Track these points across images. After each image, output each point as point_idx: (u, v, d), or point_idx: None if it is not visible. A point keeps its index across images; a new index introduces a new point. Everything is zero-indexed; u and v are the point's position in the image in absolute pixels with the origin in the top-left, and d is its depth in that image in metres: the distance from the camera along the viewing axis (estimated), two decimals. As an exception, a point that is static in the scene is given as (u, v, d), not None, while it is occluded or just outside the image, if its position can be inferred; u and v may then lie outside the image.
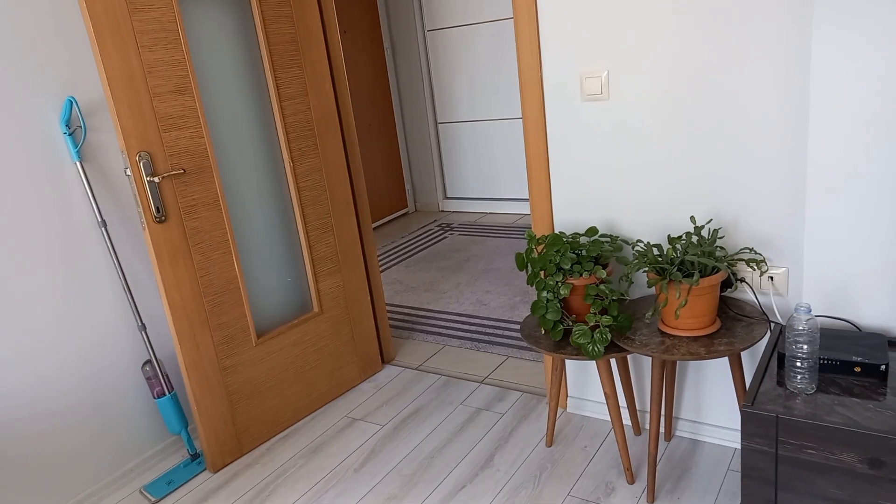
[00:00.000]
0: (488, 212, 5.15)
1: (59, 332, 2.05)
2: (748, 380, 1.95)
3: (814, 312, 1.68)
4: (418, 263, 4.15)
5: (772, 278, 1.83)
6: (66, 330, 2.06)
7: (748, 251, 1.81)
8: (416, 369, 2.80)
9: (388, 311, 3.45)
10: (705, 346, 1.66)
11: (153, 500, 2.13)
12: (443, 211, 5.38)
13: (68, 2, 2.00)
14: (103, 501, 2.16)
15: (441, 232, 4.78)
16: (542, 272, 1.90)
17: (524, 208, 4.95)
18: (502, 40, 4.66)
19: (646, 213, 1.97)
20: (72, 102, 2.00)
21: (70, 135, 2.01)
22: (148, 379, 2.20)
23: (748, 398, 1.42)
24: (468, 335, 3.05)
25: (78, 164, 2.03)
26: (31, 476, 2.01)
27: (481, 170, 5.08)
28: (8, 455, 1.95)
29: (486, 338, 3.00)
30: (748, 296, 1.88)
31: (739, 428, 2.03)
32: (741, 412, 1.40)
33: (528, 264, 1.93)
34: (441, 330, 3.15)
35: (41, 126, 1.97)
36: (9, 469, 1.96)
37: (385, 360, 2.89)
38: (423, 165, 5.36)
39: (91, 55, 2.07)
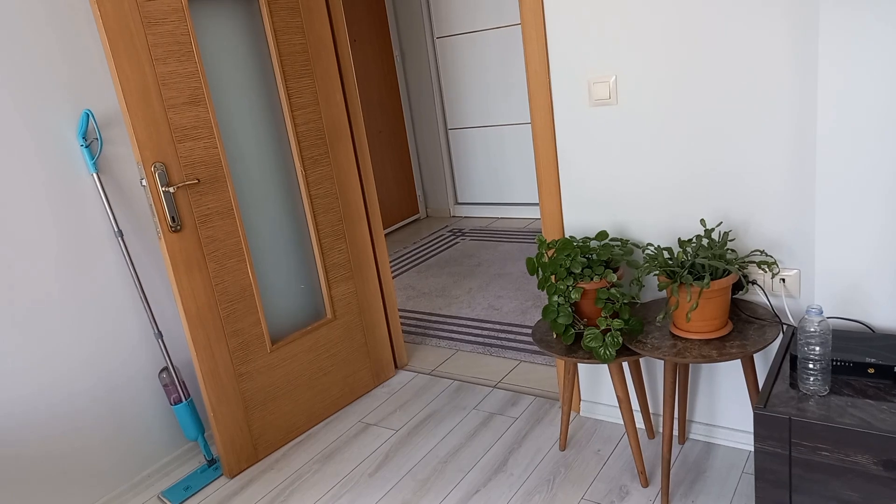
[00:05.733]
0: (499, 216, 5.16)
1: (78, 340, 2.08)
2: (761, 382, 1.95)
3: (826, 314, 1.68)
4: (430, 269, 4.17)
5: (783, 280, 1.82)
6: (84, 339, 2.10)
7: (759, 253, 1.80)
8: (428, 374, 2.81)
9: (401, 317, 3.47)
10: (717, 349, 1.66)
11: (171, 505, 2.17)
12: (454, 216, 5.40)
13: (83, 17, 2.04)
14: (122, 507, 2.20)
15: (452, 237, 4.79)
16: (552, 276, 1.91)
17: (535, 213, 4.96)
18: (511, 46, 4.68)
19: (656, 217, 1.97)
20: (88, 115, 2.04)
21: (87, 147, 2.05)
22: (165, 386, 2.23)
23: (761, 400, 1.42)
24: (480, 340, 3.06)
25: (94, 175, 2.07)
26: (50, 483, 2.04)
27: (492, 175, 5.10)
28: (28, 462, 1.99)
29: (499, 342, 3.01)
30: (760, 298, 1.88)
31: (753, 430, 2.02)
32: (754, 414, 1.40)
33: (539, 269, 1.94)
34: (453, 335, 3.16)
35: (59, 139, 2.02)
36: (29, 475, 1.99)
37: (398, 365, 2.90)
38: (433, 171, 5.39)
39: (106, 68, 2.11)
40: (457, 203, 5.39)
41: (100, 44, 2.09)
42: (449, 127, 5.18)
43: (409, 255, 4.52)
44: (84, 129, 2.04)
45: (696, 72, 1.78)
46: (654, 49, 1.82)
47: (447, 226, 5.14)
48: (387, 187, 5.15)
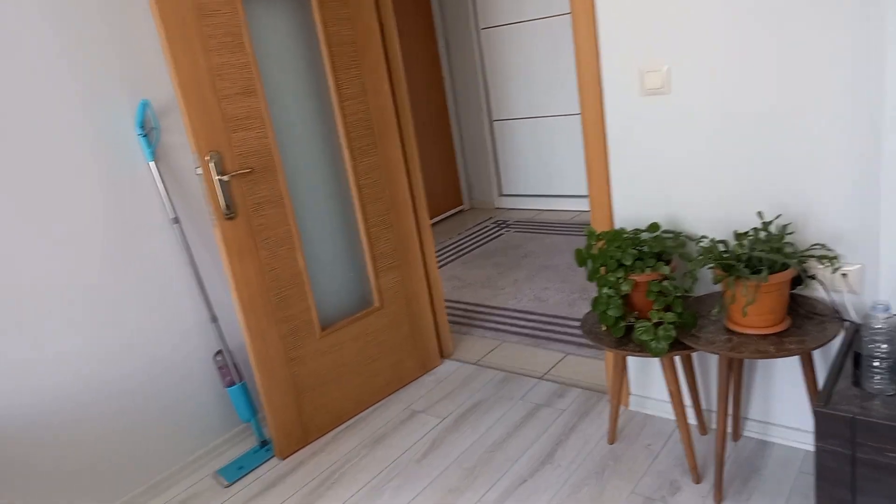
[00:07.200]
0: (545, 209, 5.11)
1: (139, 325, 2.16)
2: (820, 380, 1.89)
3: (893, 310, 1.61)
4: (475, 260, 4.17)
5: (845, 275, 1.76)
6: (145, 323, 2.17)
7: (819, 247, 1.75)
8: (474, 364, 2.82)
9: (446, 307, 3.48)
10: (775, 345, 1.61)
11: (226, 484, 2.23)
12: (498, 208, 5.38)
13: (140, 10, 2.10)
14: (179, 484, 2.27)
15: (497, 229, 4.78)
16: (602, 268, 1.88)
17: (581, 205, 4.90)
18: (558, 36, 4.61)
19: (710, 209, 1.92)
20: (146, 105, 2.10)
21: (144, 136, 2.11)
22: (219, 368, 2.30)
23: (822, 398, 1.37)
24: (526, 331, 3.05)
25: (152, 164, 2.13)
26: (112, 458, 2.13)
27: (537, 166, 5.06)
28: (92, 439, 2.07)
29: (545, 334, 2.99)
30: (820, 293, 1.82)
31: (810, 429, 1.96)
32: (814, 412, 1.36)
33: (589, 260, 1.92)
34: (499, 326, 3.15)
35: (118, 129, 2.08)
36: (92, 452, 2.08)
37: (444, 354, 2.92)
38: (478, 163, 5.37)
39: (159, 60, 2.16)
40: (501, 195, 5.37)
41: (154, 36, 2.15)
42: (493, 118, 5.16)
43: (453, 246, 4.52)
44: (142, 119, 2.11)
45: (753, 59, 1.72)
46: (710, 37, 1.77)
47: (491, 217, 5.13)
48: (431, 179, 5.16)
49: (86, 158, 2.01)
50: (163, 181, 2.16)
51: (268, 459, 2.34)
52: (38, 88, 1.90)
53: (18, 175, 1.87)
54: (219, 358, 2.29)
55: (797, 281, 1.81)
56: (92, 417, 2.07)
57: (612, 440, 2.15)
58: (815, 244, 1.75)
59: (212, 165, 2.06)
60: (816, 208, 1.75)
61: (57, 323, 1.97)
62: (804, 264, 1.79)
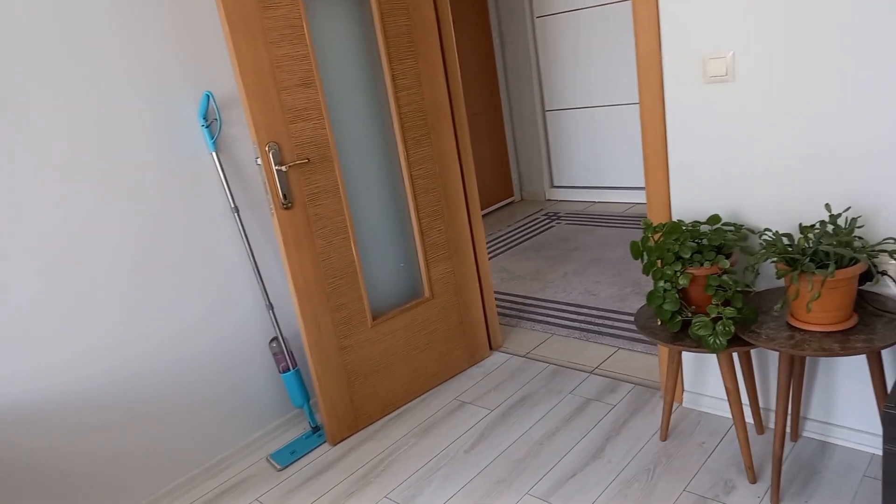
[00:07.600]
0: (596, 200, 5.04)
1: (198, 311, 2.23)
2: (889, 381, 1.80)
3: (971, 310, 1.53)
4: (525, 252, 4.14)
5: (920, 272, 1.67)
6: (204, 309, 2.24)
7: (892, 241, 1.67)
8: (523, 357, 2.81)
9: (496, 299, 3.47)
10: (840, 343, 1.55)
11: (279, 467, 2.29)
12: (549, 200, 5.33)
13: (204, 3, 2.16)
14: (233, 466, 2.35)
15: (547, 221, 4.74)
16: (659, 261, 1.85)
17: (634, 197, 4.81)
18: (613, 25, 4.52)
19: (773, 201, 1.86)
20: (209, 97, 2.16)
21: (207, 127, 2.17)
22: (274, 355, 2.36)
23: (891, 399, 1.31)
24: (576, 325, 3.02)
25: (213, 154, 2.20)
26: (169, 440, 2.21)
27: (590, 158, 4.98)
28: (156, 417, 2.16)
29: (596, 328, 2.95)
30: (891, 290, 1.73)
31: (877, 432, 1.88)
32: (882, 414, 1.30)
33: (645, 253, 1.88)
34: (548, 319, 3.13)
35: (182, 119, 2.15)
36: (154, 434, 2.16)
37: (493, 346, 2.92)
38: (529, 154, 5.33)
39: (220, 53, 2.22)
40: (552, 186, 5.31)
41: (217, 29, 2.20)
42: (546, 108, 5.10)
43: (503, 238, 4.51)
44: (205, 110, 2.17)
45: (821, 45, 1.65)
46: (777, 22, 1.70)
47: (542, 209, 5.08)
48: (482, 169, 5.15)
49: (151, 148, 2.08)
50: (223, 171, 2.22)
51: (319, 445, 2.39)
52: (108, 81, 1.98)
53: (90, 163, 1.96)
54: (274, 344, 2.35)
55: (866, 277, 1.73)
56: (151, 399, 2.15)
57: (664, 437, 2.11)
58: (888, 238, 1.67)
59: (271, 156, 2.11)
60: (890, 201, 1.67)
61: (119, 307, 2.06)
62: (874, 259, 1.71)
